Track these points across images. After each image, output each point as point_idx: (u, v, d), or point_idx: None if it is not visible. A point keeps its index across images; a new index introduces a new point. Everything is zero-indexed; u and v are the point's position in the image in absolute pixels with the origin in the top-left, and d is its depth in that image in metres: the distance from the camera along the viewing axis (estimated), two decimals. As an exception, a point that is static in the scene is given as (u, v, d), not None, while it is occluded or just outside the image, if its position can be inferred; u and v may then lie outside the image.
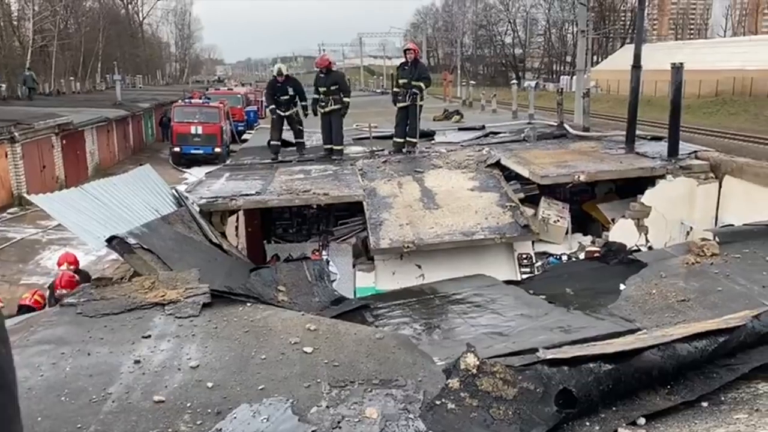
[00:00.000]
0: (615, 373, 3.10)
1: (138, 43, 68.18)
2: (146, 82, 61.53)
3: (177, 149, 26.48)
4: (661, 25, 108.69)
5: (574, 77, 28.47)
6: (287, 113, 11.45)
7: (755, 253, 4.87)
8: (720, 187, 8.31)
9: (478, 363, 2.94)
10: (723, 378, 3.33)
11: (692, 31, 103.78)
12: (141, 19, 74.66)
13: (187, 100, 28.74)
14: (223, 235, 8.94)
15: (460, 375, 2.94)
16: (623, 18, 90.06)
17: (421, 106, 11.58)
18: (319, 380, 3.41)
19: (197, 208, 7.91)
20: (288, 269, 7.70)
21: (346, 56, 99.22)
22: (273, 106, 11.49)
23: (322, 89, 11.55)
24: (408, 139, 11.55)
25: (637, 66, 9.62)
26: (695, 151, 8.92)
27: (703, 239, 5.07)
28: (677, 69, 8.46)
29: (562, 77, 65.72)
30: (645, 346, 3.17)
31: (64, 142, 20.58)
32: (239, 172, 10.48)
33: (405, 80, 11.43)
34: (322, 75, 11.62)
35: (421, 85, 11.42)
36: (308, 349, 3.80)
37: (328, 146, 11.70)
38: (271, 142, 11.77)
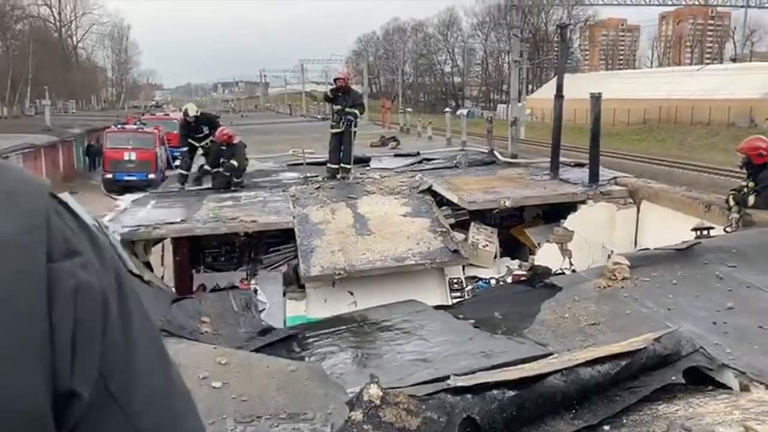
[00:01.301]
0: (518, 399, 3.13)
1: (72, 68, 66.34)
2: (80, 107, 59.89)
3: (110, 176, 25.70)
4: (593, 56, 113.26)
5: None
6: (202, 144, 11.34)
7: (663, 276, 5.05)
8: (638, 211, 8.62)
9: (381, 394, 2.92)
10: (625, 401, 3.40)
11: (621, 62, 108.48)
12: (75, 43, 72.85)
13: (120, 126, 28.04)
14: (148, 264, 8.70)
15: (363, 407, 2.91)
16: (557, 48, 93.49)
17: (355, 132, 11.64)
18: (224, 416, 3.32)
19: (118, 238, 7.67)
20: (213, 299, 7.54)
21: (288, 82, 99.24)
22: (185, 149, 11.37)
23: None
24: (342, 165, 11.57)
25: (559, 96, 9.95)
26: (615, 178, 9.25)
27: (615, 263, 5.22)
28: (596, 99, 8.80)
29: (499, 105, 67.48)
30: (548, 372, 3.22)
31: (-15, 169, 19.70)
32: (166, 200, 10.25)
33: (339, 107, 11.50)
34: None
35: (356, 111, 11.50)
36: (217, 384, 3.69)
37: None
38: (180, 172, 11.59)
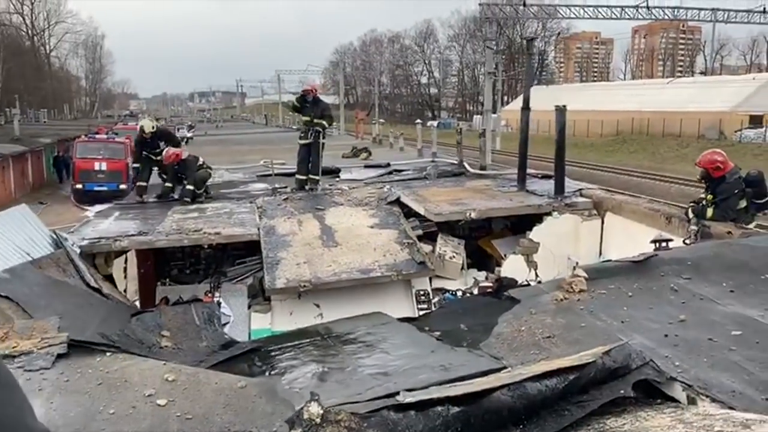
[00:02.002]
0: (463, 415, 3.10)
1: (44, 76, 65.44)
2: (53, 116, 58.98)
3: (79, 186, 25.40)
4: (568, 68, 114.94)
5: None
6: (159, 158, 11.24)
7: (619, 288, 5.07)
8: (602, 223, 8.69)
9: (321, 412, 2.87)
10: (573, 415, 3.39)
11: (596, 75, 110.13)
12: (48, 51, 71.90)
13: (91, 136, 27.71)
14: (110, 277, 8.54)
15: (303, 425, 2.86)
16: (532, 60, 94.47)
17: (323, 143, 11.61)
18: (167, 435, 3.24)
19: (78, 250, 7.52)
20: (174, 313, 7.40)
21: (265, 92, 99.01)
22: (137, 165, 11.31)
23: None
24: (310, 176, 11.52)
25: (526, 108, 10.02)
26: (580, 189, 9.32)
27: (573, 276, 5.23)
28: (560, 111, 8.87)
29: (475, 116, 67.95)
30: (494, 387, 3.20)
31: (-49, 179, 19.35)
32: (130, 211, 10.09)
33: (308, 118, 11.47)
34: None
35: (324, 123, 11.48)
36: (162, 402, 3.61)
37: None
38: (138, 184, 11.46)
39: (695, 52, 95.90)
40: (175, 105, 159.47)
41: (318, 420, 2.85)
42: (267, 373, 5.88)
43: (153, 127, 11.41)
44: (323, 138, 11.50)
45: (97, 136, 27.88)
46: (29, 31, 66.26)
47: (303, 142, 11.47)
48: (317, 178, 11.52)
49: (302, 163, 11.53)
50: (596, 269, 5.54)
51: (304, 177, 11.51)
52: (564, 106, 8.96)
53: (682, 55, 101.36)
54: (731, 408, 3.23)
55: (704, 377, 3.57)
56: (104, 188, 24.92)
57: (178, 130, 44.30)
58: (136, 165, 11.33)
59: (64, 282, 6.35)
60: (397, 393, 3.61)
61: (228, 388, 3.83)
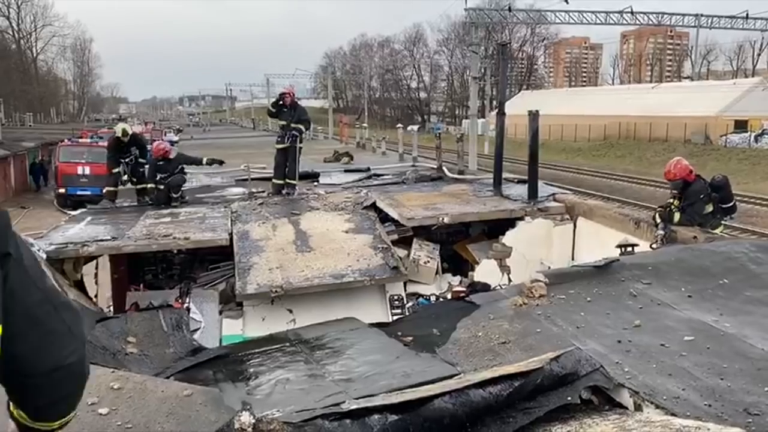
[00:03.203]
0: (402, 424, 3.06)
1: (30, 80, 65.04)
2: (39, 120, 58.59)
3: (62, 190, 25.23)
4: (557, 73, 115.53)
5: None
6: (127, 160, 11.24)
7: (579, 293, 5.05)
8: (575, 227, 8.69)
9: (253, 422, 2.82)
10: (518, 422, 3.35)
11: (585, 79, 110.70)
12: (34, 54, 71.47)
13: (74, 140, 27.53)
14: (79, 283, 8.46)
15: (234, 435, 2.81)
16: (521, 65, 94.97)
17: (300, 148, 11.58)
18: (104, 445, 3.18)
19: (43, 255, 7.44)
20: (141, 319, 7.33)
21: (255, 96, 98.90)
22: (117, 170, 11.24)
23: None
24: (287, 180, 11.48)
25: (501, 113, 10.02)
26: (553, 194, 9.32)
27: (533, 281, 5.21)
28: (533, 116, 8.87)
29: (464, 121, 68.12)
30: (434, 394, 3.16)
31: (-71, 183, 19.15)
32: (103, 216, 10.01)
33: (285, 122, 11.44)
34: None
35: (301, 127, 11.45)
36: (103, 411, 3.54)
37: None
38: (107, 189, 11.42)
39: (682, 58, 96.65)
40: (164, 109, 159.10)
41: (249, 429, 2.81)
42: (231, 381, 5.84)
43: (129, 133, 11.39)
44: (300, 142, 11.47)
45: (80, 140, 27.70)
46: (15, 34, 65.88)
47: (280, 146, 11.44)
48: (294, 182, 11.49)
49: (279, 167, 11.49)
50: (557, 274, 5.53)
51: (280, 181, 11.47)
52: (537, 111, 8.98)
53: (670, 61, 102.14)
54: (673, 414, 3.22)
55: (651, 383, 3.55)
56: (87, 192, 24.74)
57: (165, 134, 44.15)
58: (116, 170, 11.22)
59: (25, 288, 6.25)
60: (342, 402, 3.58)
61: (173, 397, 3.77)
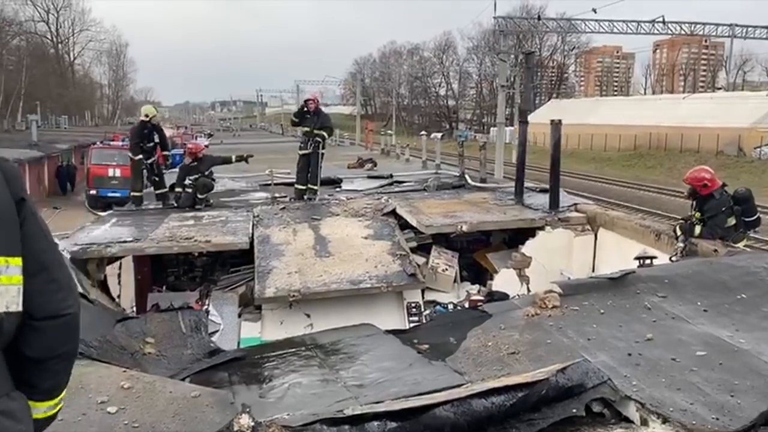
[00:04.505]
0: (401, 431, 3.07)
1: (67, 83, 66.53)
2: (74, 123, 59.91)
3: (93, 192, 25.77)
4: (588, 81, 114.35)
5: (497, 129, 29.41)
6: (149, 161, 11.26)
7: (592, 305, 5.00)
8: (596, 238, 8.60)
9: (252, 424, 2.86)
10: (521, 433, 3.34)
11: (616, 89, 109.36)
12: (72, 59, 73.12)
13: (106, 142, 28.10)
14: (103, 283, 8.62)
15: (234, 437, 2.85)
16: (551, 74, 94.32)
17: (322, 154, 11.66)
18: (111, 443, 3.24)
19: (68, 255, 7.59)
20: (160, 320, 7.44)
21: (285, 102, 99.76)
22: (140, 157, 11.20)
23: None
24: (309, 186, 11.57)
25: (523, 121, 9.98)
26: (575, 204, 9.23)
27: (547, 291, 5.18)
28: (555, 126, 8.81)
29: (491, 129, 67.82)
30: (435, 403, 3.16)
31: (-35, 183, 19.66)
32: (128, 218, 10.19)
33: (308, 128, 11.54)
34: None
35: (324, 134, 11.53)
36: (112, 410, 3.61)
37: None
38: (133, 194, 11.53)
39: (717, 68, 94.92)
40: (197, 113, 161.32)
41: (248, 432, 2.84)
42: (245, 383, 5.90)
43: (155, 113, 11.54)
44: (323, 149, 11.55)
45: (112, 143, 28.24)
46: (54, 39, 67.54)
47: (302, 152, 11.54)
48: (316, 188, 11.57)
49: (301, 173, 11.59)
50: (572, 285, 5.48)
51: (303, 187, 11.56)
52: (559, 120, 8.92)
53: (704, 71, 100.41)
54: (683, 427, 3.17)
55: (659, 397, 3.50)
56: (117, 194, 25.22)
57: (197, 137, 44.77)
58: (138, 157, 11.28)
59: (47, 287, 6.39)
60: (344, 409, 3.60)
61: (181, 398, 3.83)
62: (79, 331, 1.79)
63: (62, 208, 26.11)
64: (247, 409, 3.04)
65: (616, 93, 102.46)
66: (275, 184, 12.32)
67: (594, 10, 27.83)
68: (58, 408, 1.83)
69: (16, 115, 47.72)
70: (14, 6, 52.93)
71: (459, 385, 4.19)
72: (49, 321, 1.70)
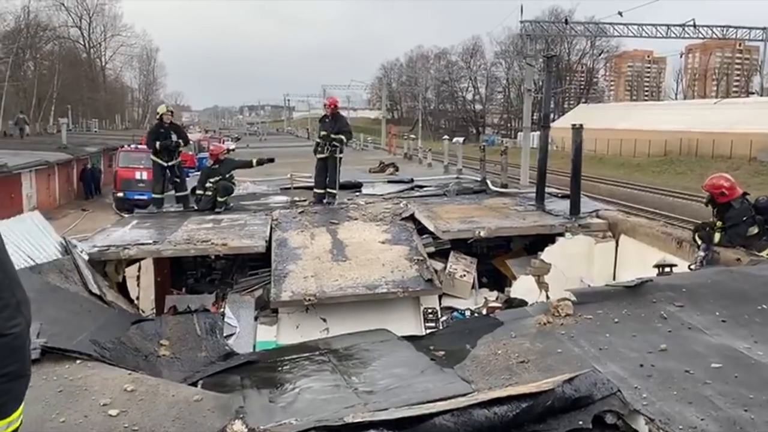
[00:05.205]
0: (398, 440, 3.00)
1: (98, 87, 67.77)
2: (104, 126, 60.92)
3: (120, 194, 26.13)
4: (618, 86, 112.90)
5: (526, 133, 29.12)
6: (170, 163, 11.28)
7: (607, 314, 4.87)
8: (617, 245, 8.42)
9: (245, 430, 2.82)
10: (525, 445, 3.25)
11: (647, 93, 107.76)
12: (103, 63, 74.48)
13: (134, 146, 28.49)
14: (122, 285, 8.69)
15: (226, 443, 2.81)
16: (580, 78, 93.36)
17: (340, 158, 11.64)
18: (108, 446, 3.24)
19: (86, 257, 7.68)
20: (176, 322, 7.48)
21: (312, 106, 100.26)
22: (159, 160, 11.24)
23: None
24: (328, 190, 11.56)
25: (545, 126, 9.83)
26: (596, 210, 9.07)
27: (560, 299, 5.06)
28: (577, 130, 8.66)
29: (519, 134, 67.32)
30: (434, 412, 3.09)
31: (-3, 185, 20.14)
32: (148, 220, 10.28)
33: (325, 133, 11.54)
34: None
35: (342, 138, 11.51)
36: (113, 412, 3.61)
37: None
38: (154, 196, 11.58)
39: (752, 72, 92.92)
40: (225, 118, 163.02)
41: (241, 438, 2.80)
42: (257, 387, 5.89)
43: (171, 111, 11.58)
44: (340, 153, 11.53)
45: (140, 146, 28.62)
46: (86, 44, 68.86)
47: (320, 156, 11.54)
48: (335, 191, 11.55)
49: (319, 177, 11.59)
50: (586, 293, 5.36)
51: (321, 191, 11.57)
52: (580, 125, 8.77)
53: (738, 75, 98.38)
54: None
55: (669, 411, 3.38)
56: (144, 197, 25.54)
57: (224, 141, 45.26)
58: (157, 159, 11.33)
59: (63, 288, 6.47)
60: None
61: (183, 401, 3.81)
62: (24, 350, 1.79)
63: (90, 210, 26.55)
64: (241, 415, 3.00)
65: (646, 98, 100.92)
66: (296, 188, 12.34)
67: (620, 13, 27.47)
68: (10, 429, 1.78)
69: (48, 119, 48.74)
70: (48, 12, 54.27)
71: (465, 394, 4.11)
72: None
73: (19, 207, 22.11)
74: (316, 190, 11.63)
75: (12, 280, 1.77)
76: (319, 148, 11.56)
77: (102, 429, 3.45)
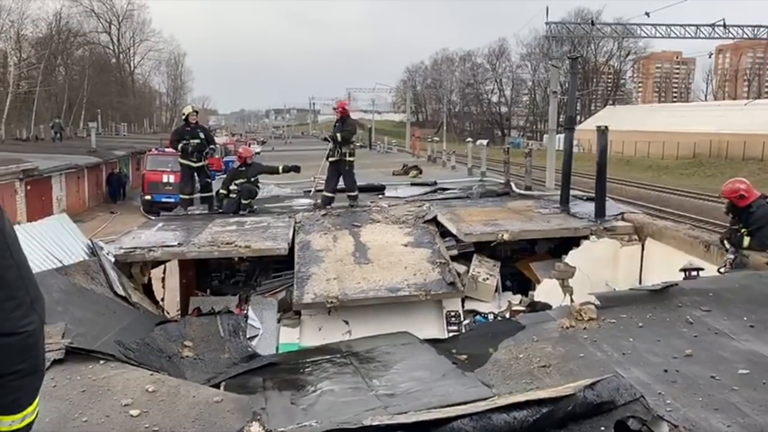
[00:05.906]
0: (415, 444, 2.98)
1: (127, 92, 68.89)
2: (133, 130, 61.87)
3: (148, 197, 26.51)
4: (646, 87, 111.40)
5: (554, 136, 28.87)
6: (198, 164, 11.34)
7: (631, 318, 4.79)
8: (643, 249, 8.29)
9: (262, 432, 2.82)
10: (545, 450, 3.21)
11: (675, 95, 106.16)
12: (132, 68, 75.68)
13: (161, 149, 28.89)
14: (147, 287, 8.79)
15: (244, 444, 2.81)
16: (607, 80, 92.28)
17: (351, 161, 11.59)
18: (129, 446, 3.27)
19: (112, 259, 7.78)
20: (199, 324, 7.55)
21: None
22: (186, 161, 11.33)
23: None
24: (348, 193, 11.57)
25: (570, 128, 9.73)
26: (622, 213, 8.94)
27: (583, 303, 4.99)
28: (602, 132, 8.55)
29: (545, 136, 66.77)
30: (451, 416, 3.06)
31: (28, 187, 20.53)
32: (173, 223, 10.40)
33: (333, 135, 11.55)
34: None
35: (338, 137, 11.37)
36: (134, 412, 3.65)
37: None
38: (182, 197, 11.65)
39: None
40: (252, 121, 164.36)
41: (258, 440, 2.81)
42: (278, 389, 5.92)
43: (189, 113, 11.64)
44: (350, 156, 11.50)
45: (167, 149, 29.01)
46: (116, 49, 70.13)
47: (331, 159, 11.55)
48: (354, 193, 11.55)
49: (329, 180, 11.60)
50: (610, 297, 5.27)
51: (331, 194, 11.56)
52: (606, 126, 8.66)
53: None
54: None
55: (694, 417, 3.30)
56: (171, 200, 25.88)
57: (250, 144, 45.71)
58: (184, 161, 11.43)
59: (89, 289, 6.56)
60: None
61: (203, 402, 3.83)
62: (38, 348, 1.78)
63: (118, 213, 26.97)
64: (258, 417, 3.00)
65: (675, 99, 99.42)
66: (317, 191, 12.37)
67: (647, 14, 27.07)
68: (25, 422, 1.80)
69: (78, 123, 49.70)
70: (79, 18, 55.39)
71: (485, 399, 4.07)
72: (6, 338, 1.69)
73: (49, 209, 22.56)
74: (325, 194, 11.59)
75: (26, 278, 1.77)
76: (329, 152, 11.57)
77: (123, 429, 3.48)
